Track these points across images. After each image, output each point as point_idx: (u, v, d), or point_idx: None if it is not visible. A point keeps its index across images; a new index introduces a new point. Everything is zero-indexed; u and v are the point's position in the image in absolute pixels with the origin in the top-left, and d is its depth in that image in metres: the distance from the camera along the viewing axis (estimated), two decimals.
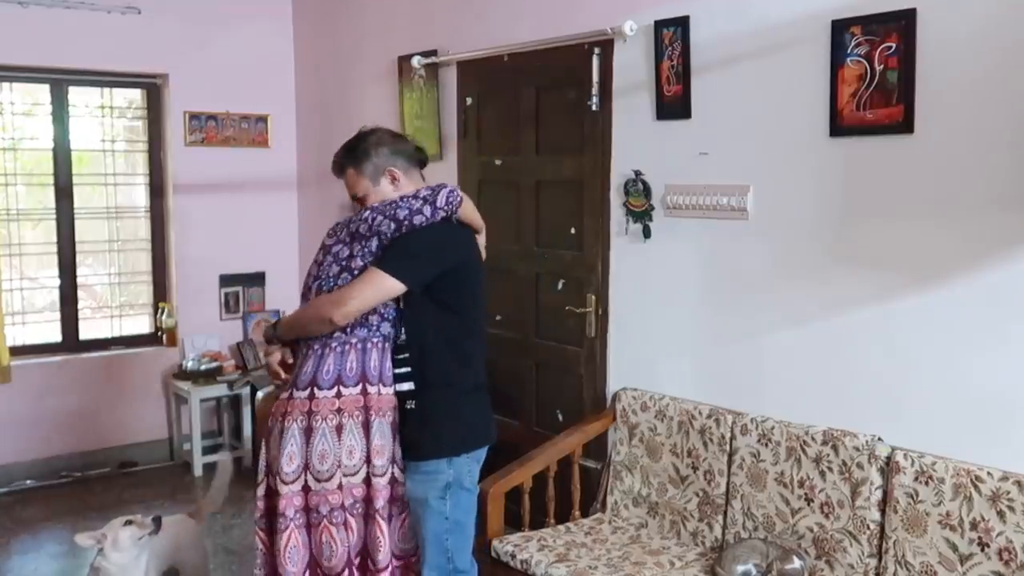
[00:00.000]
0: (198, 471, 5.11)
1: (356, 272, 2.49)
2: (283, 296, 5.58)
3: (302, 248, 5.69)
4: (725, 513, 3.08)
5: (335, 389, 2.47)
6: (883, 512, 2.70)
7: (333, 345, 2.49)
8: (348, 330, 2.49)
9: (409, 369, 2.54)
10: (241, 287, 5.55)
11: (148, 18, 5.02)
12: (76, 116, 5.09)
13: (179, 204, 5.28)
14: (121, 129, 5.33)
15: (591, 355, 3.71)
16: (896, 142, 2.72)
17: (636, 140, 3.48)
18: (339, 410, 2.46)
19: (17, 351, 4.89)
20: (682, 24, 3.24)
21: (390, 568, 2.50)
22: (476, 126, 4.25)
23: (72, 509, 4.59)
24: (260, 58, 5.47)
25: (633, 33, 3.37)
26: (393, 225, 2.48)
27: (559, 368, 3.88)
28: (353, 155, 2.61)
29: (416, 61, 4.36)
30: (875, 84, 2.73)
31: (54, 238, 5.06)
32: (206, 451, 5.22)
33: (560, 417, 3.84)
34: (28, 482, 4.87)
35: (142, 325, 5.42)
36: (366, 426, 2.47)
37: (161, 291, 5.39)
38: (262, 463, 2.58)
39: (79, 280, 5.19)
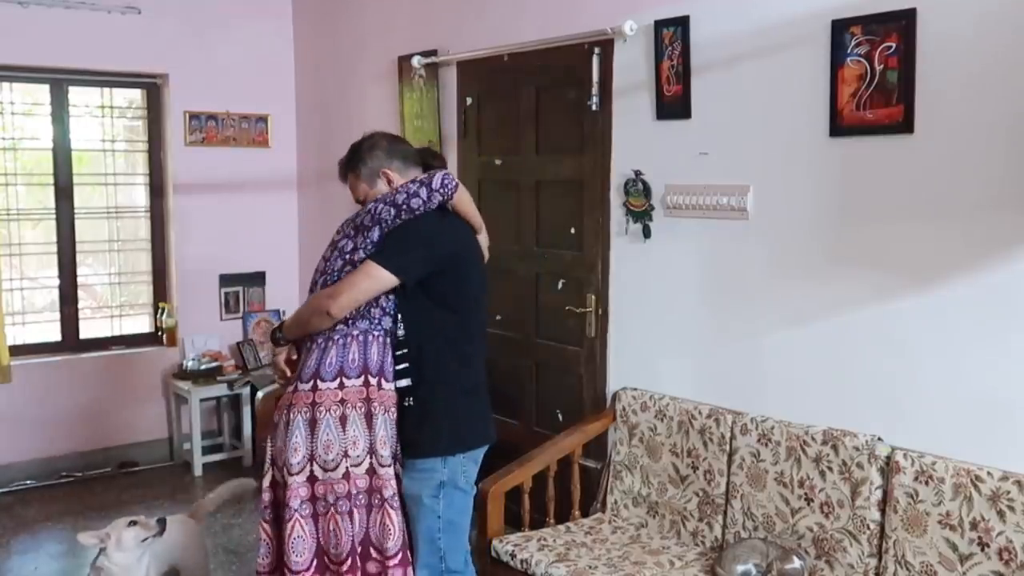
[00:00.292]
0: (198, 471, 5.11)
1: (357, 264, 2.53)
2: (283, 296, 5.59)
3: (302, 248, 5.69)
4: (725, 513, 3.08)
5: (338, 380, 2.51)
6: (883, 512, 2.70)
7: (335, 338, 2.54)
8: (350, 322, 2.53)
9: (407, 365, 2.56)
10: (241, 287, 5.55)
11: (148, 18, 5.02)
12: (76, 116, 5.09)
13: (179, 204, 5.28)
14: (121, 129, 5.33)
15: (591, 355, 3.71)
16: (896, 142, 2.72)
17: (636, 140, 3.48)
18: (342, 401, 2.50)
19: (17, 351, 4.89)
20: (682, 24, 3.24)
21: (401, 555, 2.51)
22: (476, 126, 4.25)
23: (72, 509, 4.59)
24: (260, 58, 5.47)
25: (633, 33, 3.37)
26: (392, 211, 2.54)
27: (559, 368, 3.88)
28: (351, 162, 2.71)
29: (416, 61, 4.36)
30: (875, 84, 2.73)
31: (54, 238, 5.06)
32: (206, 451, 5.22)
33: (560, 417, 3.84)
34: (28, 482, 4.87)
35: (142, 325, 5.42)
36: (369, 417, 2.50)
37: (161, 291, 5.39)
38: (267, 455, 2.61)
39: (79, 280, 5.19)
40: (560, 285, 3.84)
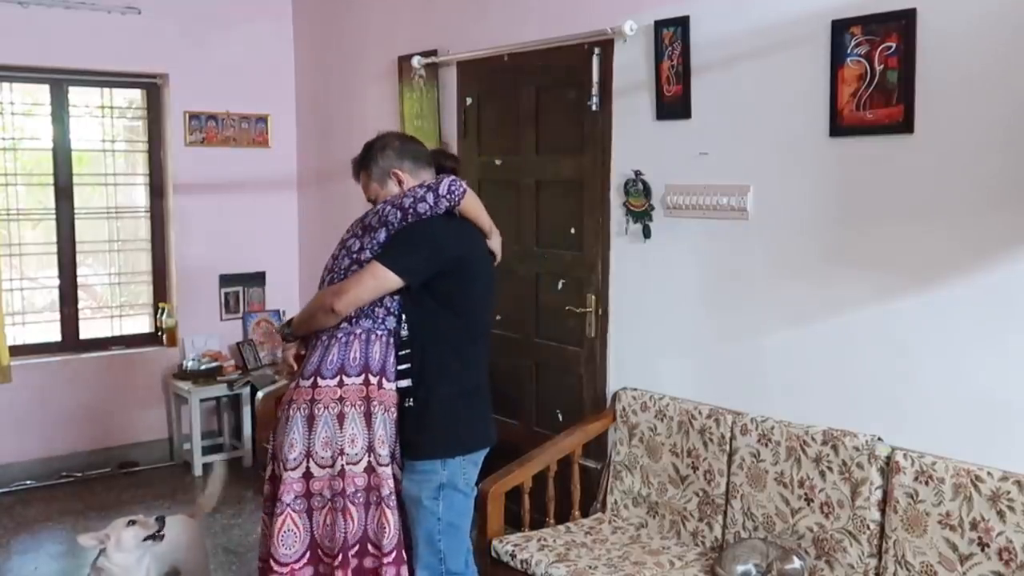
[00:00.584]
0: (198, 471, 5.11)
1: (364, 263, 2.55)
2: (283, 296, 5.60)
3: (302, 248, 5.69)
4: (725, 513, 3.08)
5: (338, 378, 2.52)
6: (883, 512, 2.70)
7: (339, 336, 2.56)
8: (353, 321, 2.55)
9: (409, 366, 2.56)
10: (241, 287, 5.55)
11: (148, 18, 5.02)
12: (76, 116, 5.09)
13: (179, 204, 5.28)
14: (121, 129, 5.33)
15: (591, 355, 3.71)
16: (896, 142, 2.72)
17: (636, 140, 3.48)
18: (341, 399, 2.51)
19: (17, 351, 4.89)
20: (682, 24, 3.24)
21: (395, 554, 2.52)
22: (476, 126, 4.25)
23: (72, 509, 4.59)
24: (260, 58, 5.47)
25: (633, 33, 3.37)
26: (399, 213, 2.55)
27: (559, 368, 3.88)
28: (363, 162, 2.73)
29: (416, 61, 4.36)
30: (875, 84, 2.73)
31: (54, 238, 5.06)
32: (206, 451, 5.22)
33: (560, 417, 3.84)
34: (28, 482, 4.87)
35: (142, 325, 5.42)
36: (368, 416, 2.51)
37: (161, 291, 5.39)
38: (269, 449, 2.64)
39: (79, 280, 5.19)
40: (560, 285, 3.84)
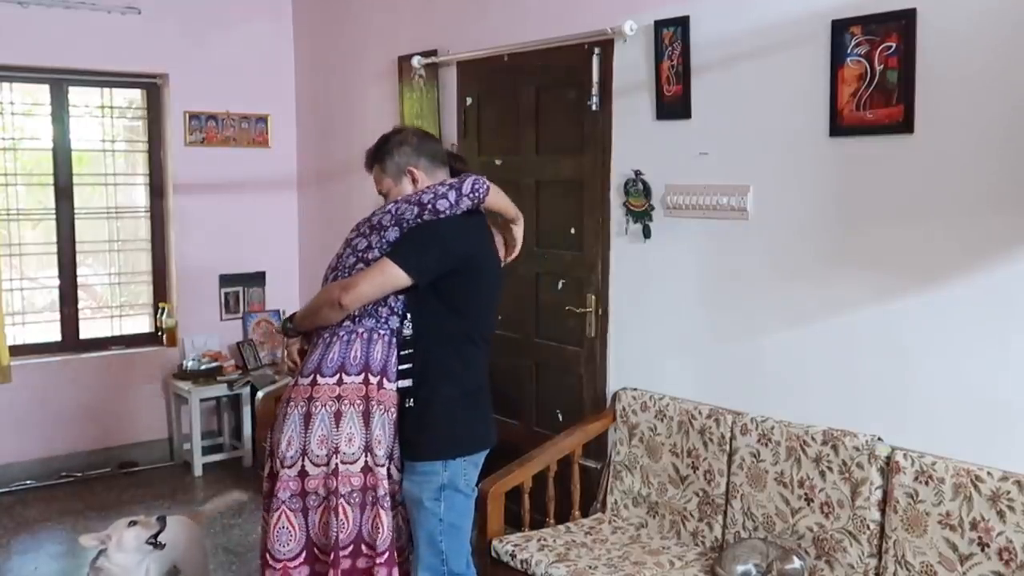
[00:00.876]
0: (198, 471, 5.11)
1: (371, 262, 2.53)
2: (283, 296, 5.59)
3: (302, 248, 5.69)
4: (725, 513, 3.08)
5: (337, 376, 2.51)
6: (883, 512, 2.70)
7: (341, 334, 2.54)
8: (356, 319, 2.53)
9: (411, 366, 2.55)
10: (241, 287, 5.55)
11: (148, 18, 5.02)
12: (76, 116, 5.09)
13: (179, 204, 5.28)
14: (121, 129, 5.33)
15: (591, 355, 3.71)
16: (896, 142, 2.72)
17: (636, 140, 3.48)
18: (339, 397, 2.49)
19: (17, 351, 4.89)
20: (682, 24, 3.24)
21: (388, 555, 2.51)
22: (476, 126, 4.25)
23: (72, 509, 4.59)
24: (260, 58, 5.47)
25: (633, 33, 3.37)
26: (416, 209, 2.52)
27: (559, 368, 3.88)
28: (378, 154, 2.69)
29: (416, 61, 4.36)
30: (875, 84, 2.73)
31: (54, 238, 5.06)
32: (206, 451, 5.22)
33: (560, 417, 3.84)
34: (28, 482, 4.87)
35: (142, 325, 5.42)
36: (366, 416, 2.50)
37: (161, 291, 5.39)
38: (268, 446, 2.63)
39: (79, 280, 5.19)
40: (560, 285, 3.84)
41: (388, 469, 2.54)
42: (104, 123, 5.21)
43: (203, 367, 5.17)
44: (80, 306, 5.19)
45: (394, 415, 2.54)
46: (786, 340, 3.05)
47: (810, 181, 2.95)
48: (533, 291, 3.97)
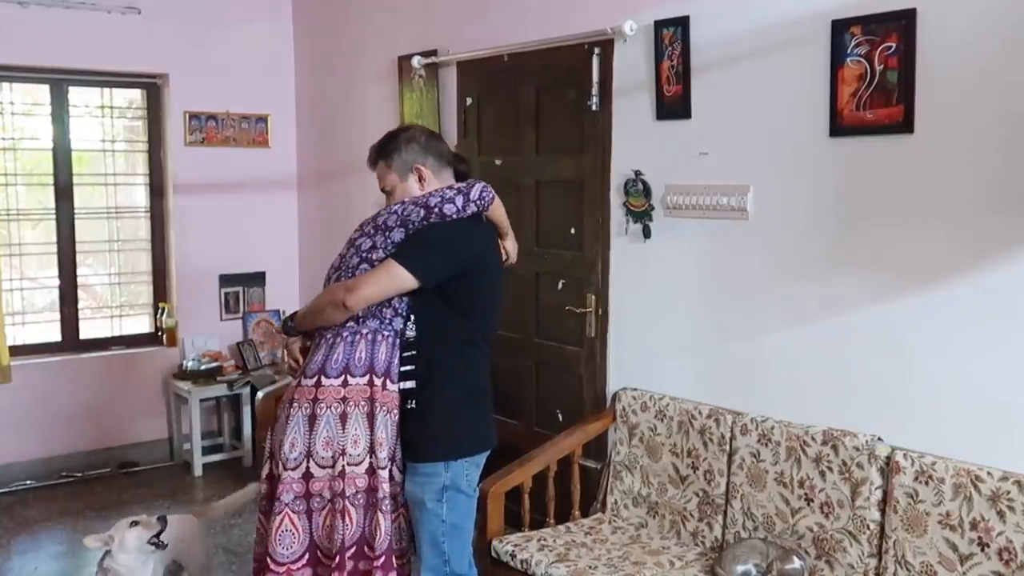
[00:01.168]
0: (198, 471, 5.11)
1: (375, 263, 2.51)
2: (283, 296, 5.59)
3: (302, 248, 5.69)
4: (725, 513, 3.08)
5: (342, 378, 2.49)
6: (883, 512, 2.70)
7: (344, 335, 2.53)
8: (360, 321, 2.52)
9: (414, 367, 2.54)
10: (241, 287, 5.55)
11: (148, 18, 5.02)
12: (76, 116, 5.09)
13: (179, 204, 5.28)
14: (121, 129, 5.33)
15: (591, 355, 3.71)
16: (896, 142, 2.72)
17: (636, 140, 3.48)
18: (344, 399, 2.48)
19: (17, 351, 4.89)
20: (682, 24, 3.24)
21: (385, 558, 2.50)
22: (476, 126, 4.25)
23: (72, 509, 4.59)
24: (260, 58, 5.47)
25: (633, 33, 3.37)
26: (423, 212, 2.51)
27: (559, 368, 3.88)
28: (385, 150, 2.66)
29: (416, 61, 4.36)
30: (875, 84, 2.73)
31: (54, 238, 5.06)
32: (206, 451, 5.22)
33: (560, 417, 3.84)
34: (28, 482, 4.87)
35: (142, 325, 5.42)
36: (371, 417, 2.49)
37: (161, 291, 5.39)
38: (267, 447, 2.61)
39: (79, 280, 5.19)
40: (560, 285, 3.84)
41: (391, 471, 2.53)
42: (104, 123, 5.21)
43: (203, 367, 5.17)
44: (80, 306, 5.19)
45: (396, 417, 2.53)
46: (786, 340, 3.05)
47: (810, 181, 2.95)
48: (533, 291, 3.97)
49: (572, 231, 3.76)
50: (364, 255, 2.55)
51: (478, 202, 2.55)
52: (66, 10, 4.80)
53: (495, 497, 3.12)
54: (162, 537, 2.95)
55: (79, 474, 5.01)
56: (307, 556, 2.53)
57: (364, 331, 2.52)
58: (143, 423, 5.27)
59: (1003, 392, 2.54)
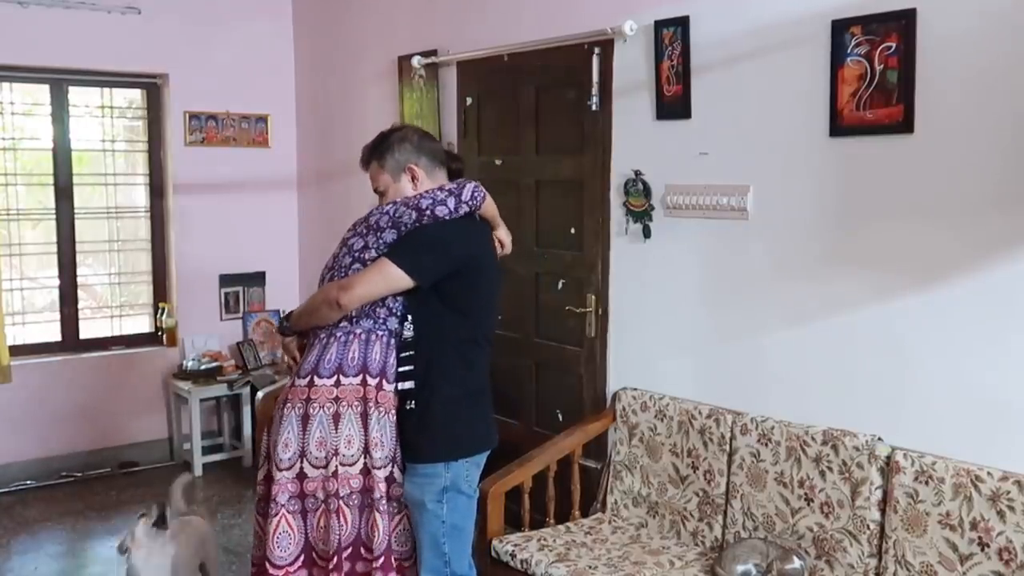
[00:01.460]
0: (198, 471, 5.10)
1: (368, 263, 2.51)
2: (283, 296, 5.59)
3: (302, 248, 5.69)
4: (725, 513, 3.08)
5: (335, 378, 2.49)
6: (883, 512, 2.70)
7: (338, 335, 2.52)
8: (354, 320, 2.51)
9: (412, 367, 2.53)
10: (241, 287, 5.55)
11: (148, 18, 5.02)
12: (76, 116, 5.09)
13: (179, 204, 5.28)
14: (121, 129, 5.33)
15: (591, 355, 3.71)
16: (896, 142, 2.72)
17: (636, 140, 3.48)
18: (337, 399, 2.48)
19: (17, 351, 4.89)
20: (682, 24, 3.24)
21: (384, 559, 2.50)
22: (476, 126, 4.25)
23: (72, 509, 4.59)
24: (260, 58, 5.47)
25: (633, 33, 3.37)
26: (415, 214, 2.50)
27: (559, 368, 3.88)
28: (377, 150, 2.65)
29: (416, 61, 4.36)
30: (875, 84, 2.73)
31: (54, 238, 5.06)
32: (206, 451, 5.22)
33: (560, 417, 3.84)
34: (28, 482, 4.87)
35: (142, 325, 5.42)
36: (364, 417, 2.48)
37: (161, 291, 5.39)
38: (263, 449, 2.61)
39: (79, 280, 5.19)
40: (560, 285, 3.84)
41: (391, 472, 2.52)
42: (104, 123, 5.21)
43: (203, 367, 5.17)
44: (80, 306, 5.19)
45: (394, 417, 2.52)
46: (786, 340, 3.05)
47: (810, 181, 2.95)
48: (533, 291, 3.97)
49: (572, 231, 3.76)
50: (356, 255, 2.54)
51: (470, 202, 2.55)
52: (66, 10, 4.80)
53: (495, 497, 3.12)
54: (182, 536, 3.04)
55: (79, 474, 5.00)
56: (302, 557, 2.52)
57: (358, 331, 2.51)
58: (143, 423, 5.27)
59: (1003, 392, 2.54)
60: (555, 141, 3.85)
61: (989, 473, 2.48)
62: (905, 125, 2.67)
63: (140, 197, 5.37)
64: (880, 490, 2.71)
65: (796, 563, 2.75)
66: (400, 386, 2.53)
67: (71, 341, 5.15)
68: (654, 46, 3.34)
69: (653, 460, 3.32)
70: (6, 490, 4.79)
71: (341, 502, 2.47)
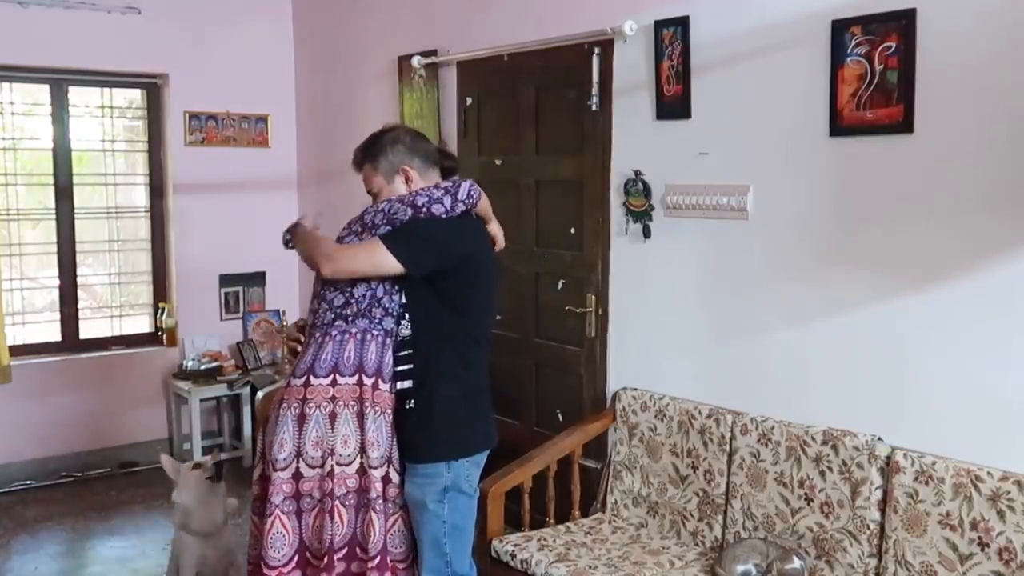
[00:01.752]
0: None
1: None
2: (283, 296, 5.59)
3: None
4: (725, 513, 3.08)
5: (331, 377, 2.48)
6: (883, 512, 2.70)
7: (333, 334, 2.52)
8: (349, 320, 2.51)
9: (411, 367, 2.52)
10: (241, 287, 5.55)
11: (148, 18, 5.02)
12: (76, 116, 5.09)
13: (179, 204, 5.28)
14: (121, 129, 5.33)
15: (591, 355, 3.71)
16: (896, 142, 2.72)
17: (636, 140, 3.48)
18: (333, 398, 2.47)
19: (17, 351, 4.89)
20: (682, 24, 3.24)
21: (379, 559, 2.49)
22: (476, 126, 4.25)
23: (72, 509, 4.59)
24: (260, 58, 5.47)
25: (633, 33, 3.37)
26: (410, 211, 2.50)
27: (559, 368, 3.88)
28: (370, 152, 2.64)
29: (416, 61, 4.36)
30: (875, 84, 2.73)
31: (54, 238, 5.06)
32: (206, 451, 5.21)
33: (560, 417, 3.84)
34: (28, 482, 4.87)
35: (142, 325, 5.42)
36: (360, 417, 2.48)
37: (161, 291, 5.39)
38: (259, 449, 2.61)
39: (79, 280, 5.19)
40: (560, 285, 3.84)
41: (387, 472, 2.51)
42: (104, 123, 5.21)
43: (203, 367, 5.17)
44: (80, 306, 5.19)
45: (390, 417, 2.51)
46: (786, 340, 3.05)
47: (810, 181, 2.95)
48: (533, 291, 3.97)
49: (572, 231, 3.76)
50: None
51: (466, 201, 2.55)
52: (66, 10, 4.80)
53: (495, 497, 3.12)
54: (220, 479, 3.33)
55: (79, 474, 5.00)
56: (296, 557, 2.51)
57: (353, 330, 2.51)
58: (143, 423, 5.27)
59: (1003, 392, 2.54)
60: (555, 141, 3.85)
61: (989, 473, 2.48)
62: (905, 125, 2.67)
63: (140, 197, 5.37)
64: (880, 490, 2.71)
65: (796, 563, 2.75)
66: (398, 385, 2.52)
67: (71, 341, 5.14)
68: (654, 46, 3.34)
69: (653, 460, 3.32)
70: (6, 490, 4.79)
71: (336, 502, 2.46)
